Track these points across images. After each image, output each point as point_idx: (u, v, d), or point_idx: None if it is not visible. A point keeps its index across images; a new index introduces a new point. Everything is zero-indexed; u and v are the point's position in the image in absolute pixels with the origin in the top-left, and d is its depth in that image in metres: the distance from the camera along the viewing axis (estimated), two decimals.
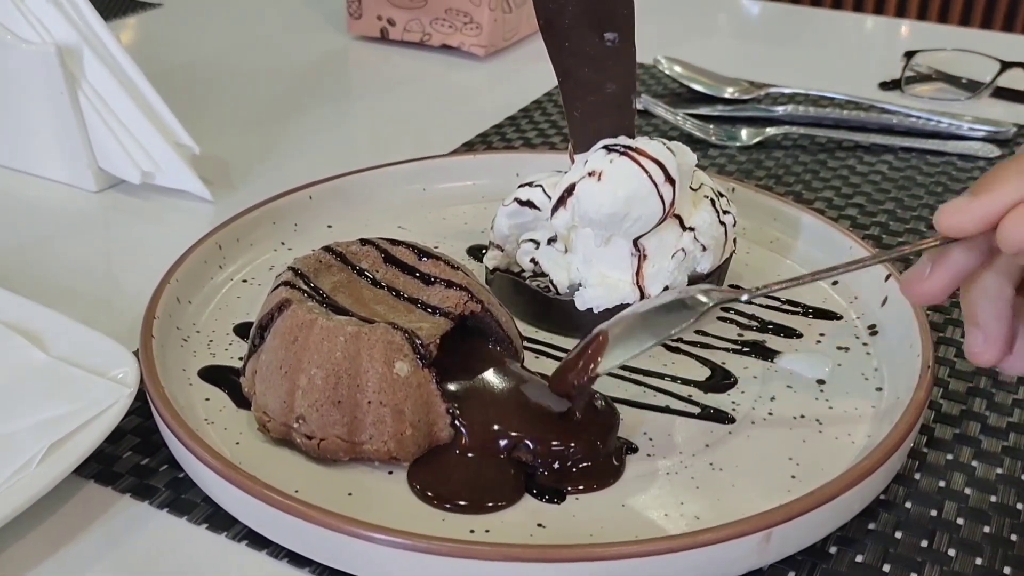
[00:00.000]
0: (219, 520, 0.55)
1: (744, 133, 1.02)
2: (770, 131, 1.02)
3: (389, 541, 0.49)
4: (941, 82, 1.17)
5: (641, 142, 0.65)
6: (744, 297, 0.57)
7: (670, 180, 0.64)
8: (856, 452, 0.59)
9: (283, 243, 0.78)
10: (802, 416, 0.62)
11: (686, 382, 0.65)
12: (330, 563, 0.51)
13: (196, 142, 0.86)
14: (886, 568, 0.53)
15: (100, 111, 0.85)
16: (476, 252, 0.78)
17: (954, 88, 1.16)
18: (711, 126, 1.03)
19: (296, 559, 0.52)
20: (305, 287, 0.60)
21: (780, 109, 1.07)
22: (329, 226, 0.80)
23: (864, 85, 1.16)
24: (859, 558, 0.53)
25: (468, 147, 0.99)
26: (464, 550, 0.48)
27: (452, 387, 0.58)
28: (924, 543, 0.54)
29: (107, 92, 0.86)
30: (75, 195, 0.88)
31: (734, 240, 0.71)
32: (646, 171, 0.63)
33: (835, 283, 0.75)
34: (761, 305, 0.73)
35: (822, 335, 0.70)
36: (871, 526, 0.56)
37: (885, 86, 1.17)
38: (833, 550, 0.54)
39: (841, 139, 1.02)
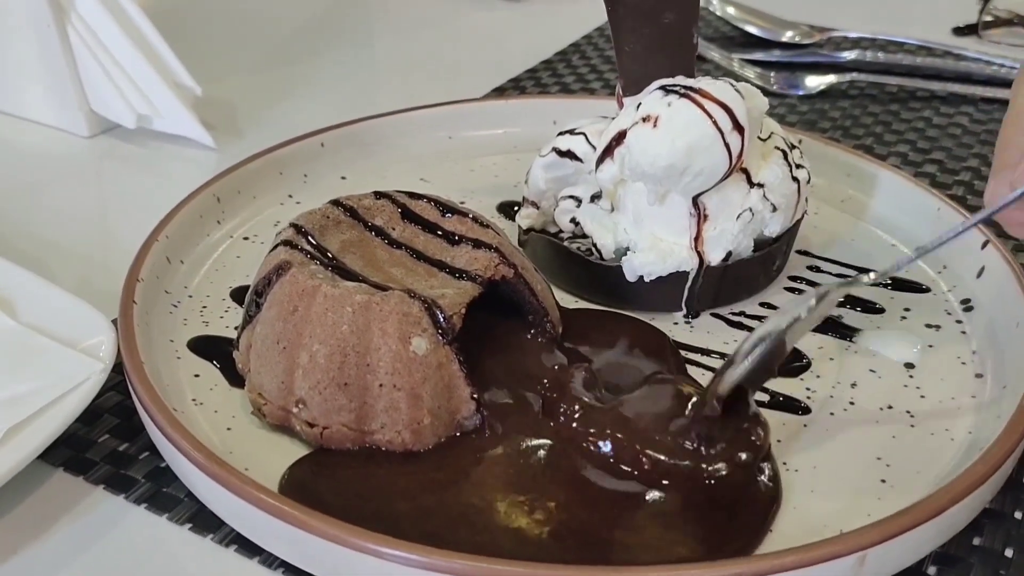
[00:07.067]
0: (204, 520, 0.47)
1: (807, 81, 0.92)
2: (834, 78, 0.93)
3: (404, 558, 0.40)
4: (1022, 27, 1.06)
5: (704, 83, 0.56)
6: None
7: (738, 128, 0.55)
8: (956, 451, 0.50)
9: (290, 196, 0.70)
10: (890, 407, 0.53)
11: None
12: None
13: (198, 83, 0.81)
14: None
15: (91, 47, 0.78)
16: (507, 209, 0.70)
17: None
18: (771, 73, 0.93)
19: (294, 570, 0.45)
20: (308, 247, 0.52)
21: (845, 55, 0.97)
22: (343, 177, 0.72)
23: (936, 30, 1.05)
24: None
25: (499, 92, 0.90)
26: (494, 572, 0.39)
27: (479, 367, 0.50)
28: None
29: (99, 25, 0.78)
30: (64, 140, 0.82)
31: (806, 199, 0.62)
32: (711, 116, 0.55)
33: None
34: (833, 274, 0.64)
35: (907, 310, 0.61)
36: (976, 541, 0.47)
37: (960, 31, 1.06)
38: (932, 571, 0.45)
39: (915, 88, 0.92)
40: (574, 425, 0.48)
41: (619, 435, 0.47)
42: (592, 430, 0.48)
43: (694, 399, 0.49)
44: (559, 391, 0.50)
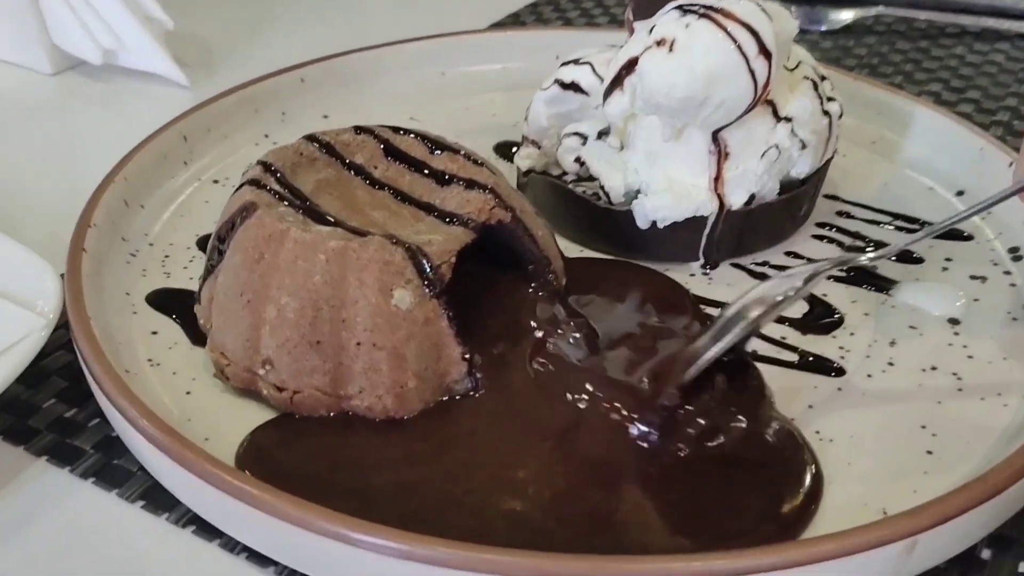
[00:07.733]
0: (159, 498, 0.43)
1: (830, 15, 0.87)
2: (859, 13, 0.87)
3: (378, 545, 0.35)
4: None
5: (727, 1, 0.51)
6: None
7: (765, 53, 0.51)
8: (1010, 419, 0.46)
9: (267, 136, 0.66)
10: (933, 368, 0.48)
11: (779, 320, 0.51)
12: (300, 567, 0.39)
13: (170, 15, 0.77)
14: None
15: None
16: (506, 150, 0.66)
17: None
18: (791, 7, 0.87)
19: (258, 555, 0.40)
20: (277, 187, 0.46)
21: None
22: (325, 116, 0.69)
23: None
24: (1023, 567, 0.40)
25: (497, 27, 0.86)
26: (485, 562, 0.34)
27: (471, 323, 0.45)
28: None
29: None
30: (26, 77, 0.79)
31: (837, 136, 0.56)
32: (734, 39, 0.50)
33: (960, 193, 0.60)
34: (866, 220, 0.59)
35: (949, 260, 0.56)
36: None
37: None
38: (986, 555, 0.41)
39: (945, 23, 0.88)
40: (575, 391, 0.43)
41: (619, 401, 0.43)
42: (589, 393, 0.43)
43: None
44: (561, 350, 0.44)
